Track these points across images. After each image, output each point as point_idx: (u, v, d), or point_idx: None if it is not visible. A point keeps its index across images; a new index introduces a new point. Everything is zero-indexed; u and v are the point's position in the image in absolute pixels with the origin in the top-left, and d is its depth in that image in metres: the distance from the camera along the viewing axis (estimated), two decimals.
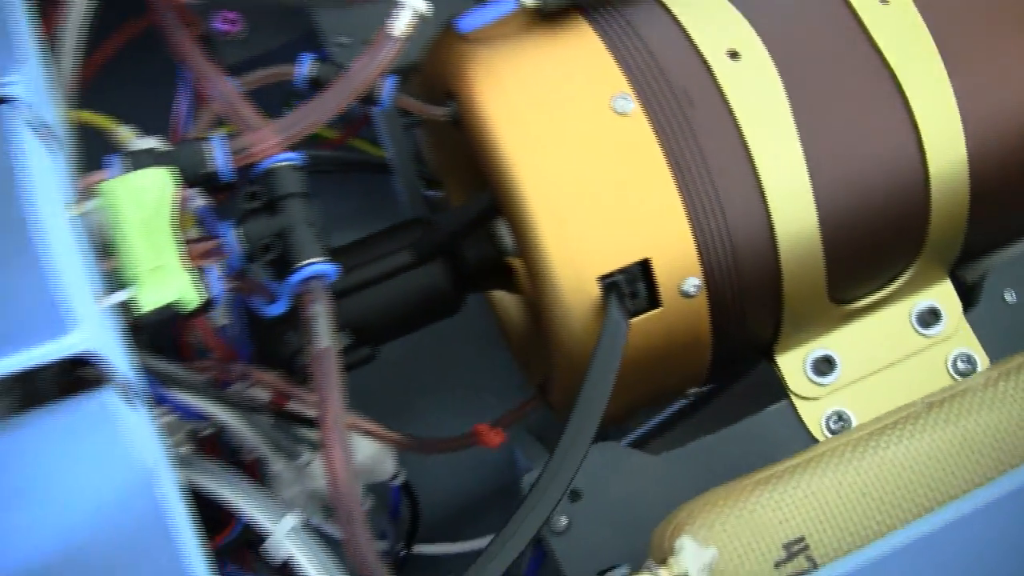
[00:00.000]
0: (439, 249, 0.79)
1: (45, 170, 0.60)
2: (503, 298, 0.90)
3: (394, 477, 0.82)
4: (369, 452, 0.79)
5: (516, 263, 0.84)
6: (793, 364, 0.80)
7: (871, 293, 0.80)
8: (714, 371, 0.78)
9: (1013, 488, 0.62)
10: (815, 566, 0.63)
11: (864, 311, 0.80)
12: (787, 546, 0.64)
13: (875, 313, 0.80)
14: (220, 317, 0.76)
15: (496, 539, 0.66)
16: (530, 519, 0.67)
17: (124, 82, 0.85)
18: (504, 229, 0.80)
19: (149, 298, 0.61)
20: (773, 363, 0.80)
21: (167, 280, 0.61)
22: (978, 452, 0.67)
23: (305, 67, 0.75)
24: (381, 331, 0.79)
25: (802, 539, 0.64)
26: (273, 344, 0.73)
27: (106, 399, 0.56)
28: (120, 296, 0.60)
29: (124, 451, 0.56)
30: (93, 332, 0.55)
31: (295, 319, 0.71)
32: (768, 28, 0.74)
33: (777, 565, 0.64)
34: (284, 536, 0.64)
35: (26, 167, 0.58)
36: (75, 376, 0.58)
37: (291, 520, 0.65)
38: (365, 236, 0.81)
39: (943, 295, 0.81)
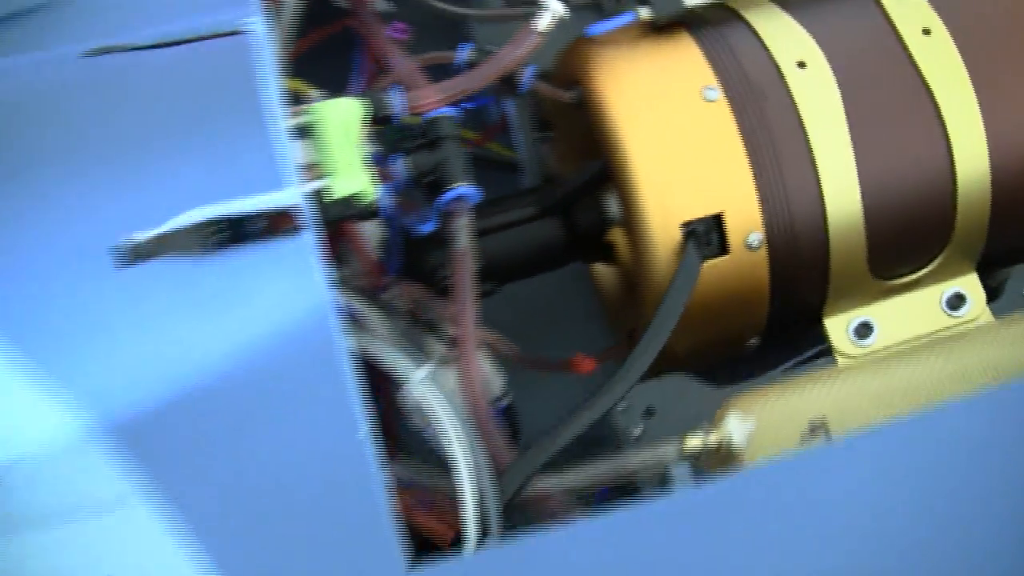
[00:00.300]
0: (556, 206, 0.99)
1: (271, 87, 0.81)
2: (603, 272, 1.09)
3: (499, 399, 1.00)
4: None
5: (616, 236, 1.03)
6: (838, 327, 0.96)
7: (907, 274, 0.96)
8: (771, 325, 0.96)
9: (998, 390, 0.78)
10: (829, 440, 0.80)
11: (901, 289, 0.97)
12: (811, 425, 0.81)
13: (910, 292, 0.97)
14: (375, 249, 0.96)
15: (568, 416, 0.84)
16: (598, 404, 0.85)
17: (309, 71, 1.06)
18: (611, 199, 0.99)
19: (340, 187, 0.81)
20: (821, 325, 0.97)
21: (354, 177, 0.82)
22: (972, 375, 0.83)
23: (464, 53, 0.96)
24: (501, 272, 0.98)
25: (823, 422, 0.81)
26: (420, 259, 0.93)
27: (302, 242, 0.75)
28: (320, 183, 0.81)
29: (311, 285, 0.75)
30: (299, 194, 0.76)
31: (440, 242, 0.91)
32: (830, 47, 0.93)
33: (801, 439, 0.81)
34: (419, 382, 0.83)
35: (264, 77, 0.79)
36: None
37: (426, 369, 0.84)
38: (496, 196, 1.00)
39: (969, 284, 0.98)
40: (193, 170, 0.76)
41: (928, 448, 0.75)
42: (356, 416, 0.74)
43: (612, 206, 0.99)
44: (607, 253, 1.05)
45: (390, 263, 0.94)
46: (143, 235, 0.73)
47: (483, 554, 0.77)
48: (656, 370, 0.92)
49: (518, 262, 0.99)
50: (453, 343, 0.90)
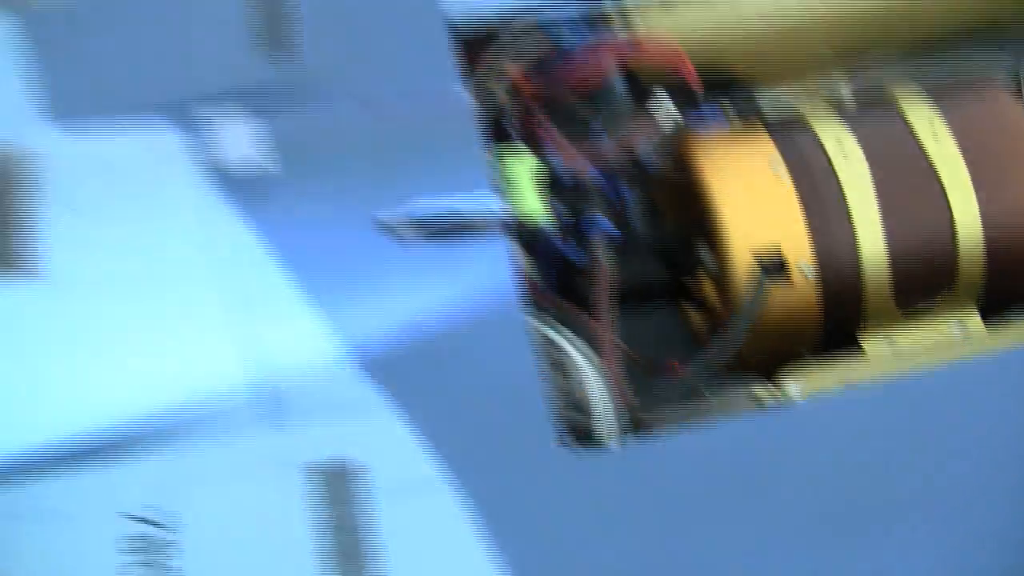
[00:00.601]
0: (662, 253, 1.36)
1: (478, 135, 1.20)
2: (694, 315, 1.45)
3: None
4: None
5: (707, 287, 1.39)
6: (871, 343, 1.31)
7: (923, 307, 1.31)
8: (821, 340, 1.31)
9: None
10: None
11: (919, 317, 1.31)
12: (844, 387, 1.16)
13: (926, 321, 1.32)
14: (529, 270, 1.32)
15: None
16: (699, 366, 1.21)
17: None
18: (703, 250, 1.35)
19: (523, 210, 1.19)
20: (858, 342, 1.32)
21: (533, 205, 1.20)
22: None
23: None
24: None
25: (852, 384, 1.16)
26: (569, 277, 1.30)
27: (497, 239, 1.14)
28: (510, 205, 1.19)
29: (502, 267, 1.13)
30: (499, 207, 1.14)
31: (583, 267, 1.28)
32: (863, 138, 1.31)
33: None
34: (573, 347, 1.19)
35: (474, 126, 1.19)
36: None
37: (579, 342, 1.20)
38: None
39: (972, 318, 1.33)
40: (429, 181, 1.15)
41: (921, 394, 1.10)
42: (529, 354, 1.11)
43: (704, 254, 1.36)
44: (699, 300, 1.42)
45: (543, 281, 1.31)
46: (396, 217, 1.12)
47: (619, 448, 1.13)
48: (733, 371, 1.28)
49: (629, 291, 1.35)
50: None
